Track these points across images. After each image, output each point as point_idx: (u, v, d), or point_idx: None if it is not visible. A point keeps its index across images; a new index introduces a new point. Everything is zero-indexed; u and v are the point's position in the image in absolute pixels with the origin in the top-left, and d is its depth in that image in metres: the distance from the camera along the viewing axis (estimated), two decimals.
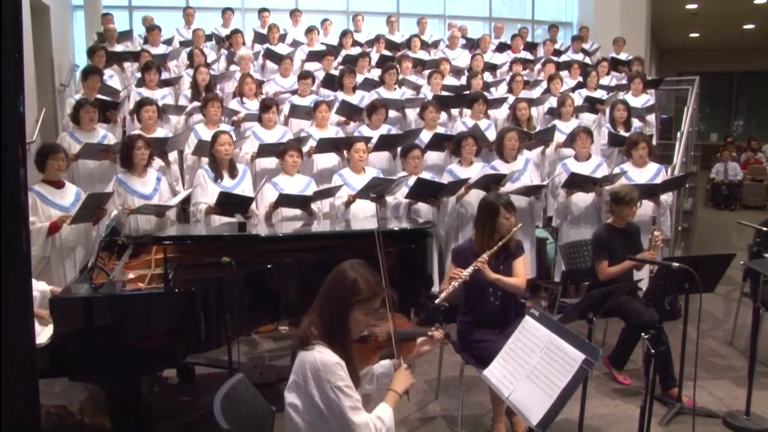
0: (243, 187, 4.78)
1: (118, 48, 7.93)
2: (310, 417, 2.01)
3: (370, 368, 2.37)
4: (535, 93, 7.56)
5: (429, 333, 2.48)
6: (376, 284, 2.11)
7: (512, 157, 5.33)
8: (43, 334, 2.89)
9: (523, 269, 3.44)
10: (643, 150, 5.13)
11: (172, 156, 5.46)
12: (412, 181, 4.88)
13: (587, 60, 9.13)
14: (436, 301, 3.22)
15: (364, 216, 4.82)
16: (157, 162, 5.02)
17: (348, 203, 4.77)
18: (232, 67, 7.59)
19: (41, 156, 4.21)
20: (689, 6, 12.56)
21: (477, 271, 3.21)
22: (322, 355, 1.99)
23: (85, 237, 4.32)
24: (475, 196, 5.20)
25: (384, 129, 5.90)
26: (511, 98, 6.96)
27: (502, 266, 3.35)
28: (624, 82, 7.68)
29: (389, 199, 4.95)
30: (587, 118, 6.86)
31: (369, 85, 6.93)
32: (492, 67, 8.42)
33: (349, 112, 6.20)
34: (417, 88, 7.08)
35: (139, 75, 6.92)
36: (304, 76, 6.53)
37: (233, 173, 4.77)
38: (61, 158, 4.25)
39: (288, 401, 2.05)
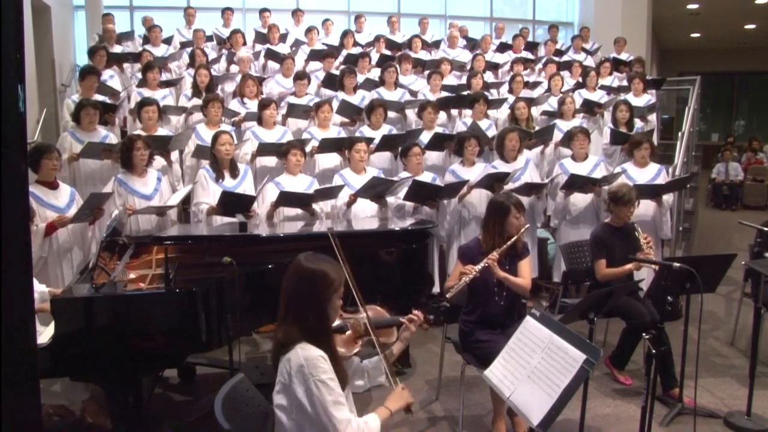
0: (244, 186, 4.77)
1: (118, 48, 7.93)
2: (296, 416, 2.02)
3: (358, 363, 2.41)
4: (536, 93, 7.55)
5: (403, 319, 2.52)
6: (339, 267, 2.20)
7: (512, 157, 5.33)
8: (44, 334, 2.89)
9: (529, 271, 3.44)
10: (646, 150, 5.14)
11: (174, 155, 5.46)
12: None
13: (589, 60, 9.11)
14: (448, 295, 3.22)
15: (364, 216, 4.81)
16: (158, 162, 5.01)
17: (349, 203, 4.77)
18: (233, 68, 7.58)
19: (35, 156, 4.11)
20: (690, 6, 12.56)
21: (485, 269, 3.21)
22: (304, 350, 2.01)
23: (81, 237, 4.30)
24: (477, 196, 5.21)
25: (384, 129, 5.89)
26: (512, 98, 6.95)
27: (509, 266, 3.35)
28: (625, 83, 7.66)
29: (391, 199, 4.95)
30: (586, 120, 6.85)
31: (370, 85, 6.93)
32: (493, 67, 8.42)
33: (349, 112, 6.20)
34: (413, 93, 7.02)
35: (139, 75, 6.92)
36: (300, 76, 6.53)
37: (234, 173, 4.76)
38: (55, 158, 4.18)
39: (276, 403, 2.07)
